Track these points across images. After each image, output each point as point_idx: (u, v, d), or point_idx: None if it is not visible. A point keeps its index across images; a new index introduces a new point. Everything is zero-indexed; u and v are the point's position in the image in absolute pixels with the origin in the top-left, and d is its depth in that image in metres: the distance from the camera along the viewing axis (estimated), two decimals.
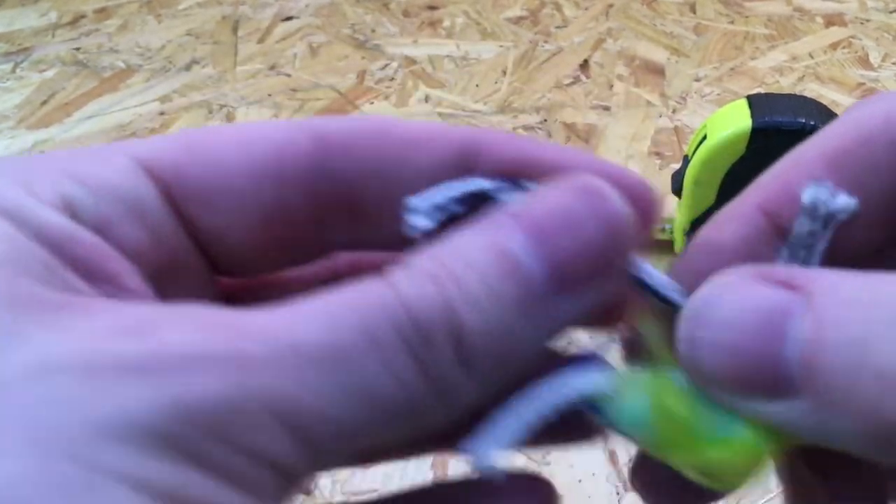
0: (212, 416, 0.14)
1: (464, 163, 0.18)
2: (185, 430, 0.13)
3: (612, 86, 0.77)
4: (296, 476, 0.15)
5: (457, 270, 0.16)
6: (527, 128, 0.73)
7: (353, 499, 0.43)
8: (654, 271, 0.18)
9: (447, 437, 0.18)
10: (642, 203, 0.18)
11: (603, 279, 0.17)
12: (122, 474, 0.13)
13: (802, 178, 0.18)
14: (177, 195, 0.18)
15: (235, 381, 0.14)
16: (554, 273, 0.16)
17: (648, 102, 0.75)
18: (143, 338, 0.14)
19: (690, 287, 0.17)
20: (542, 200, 0.17)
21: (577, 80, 0.79)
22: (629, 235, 0.17)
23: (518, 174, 0.18)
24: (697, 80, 0.78)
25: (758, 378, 0.15)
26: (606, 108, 0.75)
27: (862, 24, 0.84)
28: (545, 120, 0.73)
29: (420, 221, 0.17)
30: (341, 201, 0.19)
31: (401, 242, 0.18)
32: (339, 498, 0.43)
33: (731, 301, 0.16)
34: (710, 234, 0.19)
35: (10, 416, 0.13)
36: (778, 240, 0.18)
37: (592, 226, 0.17)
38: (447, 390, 0.16)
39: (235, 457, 0.14)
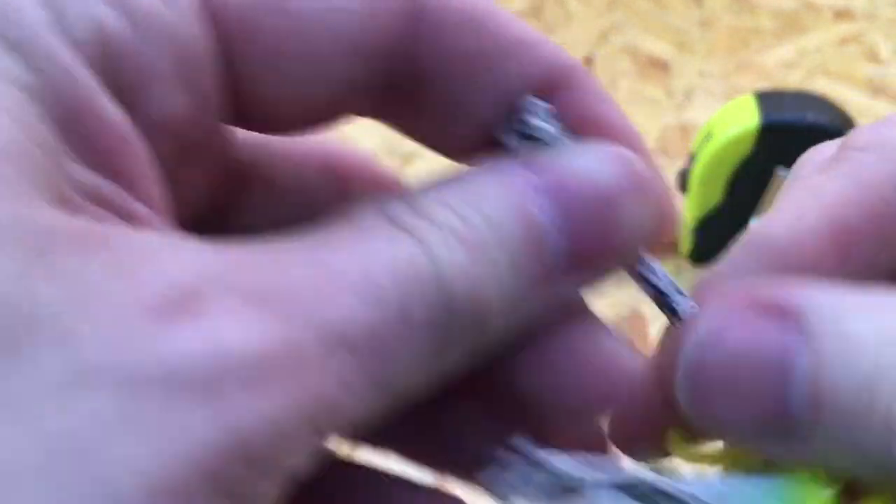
0: (261, 445, 0.11)
1: (546, 90, 0.16)
2: (232, 469, 0.11)
3: (615, 82, 0.76)
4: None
5: (483, 234, 0.14)
6: None
7: None
8: (660, 269, 0.17)
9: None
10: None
11: (618, 262, 0.16)
12: None
13: (804, 255, 0.16)
14: (240, 54, 0.14)
15: (294, 396, 0.11)
16: (576, 253, 0.15)
17: (653, 99, 0.74)
18: (192, 323, 0.11)
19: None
20: (576, 162, 0.15)
21: None
22: (665, 217, 0.16)
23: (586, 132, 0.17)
24: (703, 75, 0.76)
25: (767, 422, 0.14)
26: None
27: (871, 19, 0.83)
28: None
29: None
30: (410, 90, 0.16)
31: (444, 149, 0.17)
32: None
33: (730, 345, 0.14)
34: None
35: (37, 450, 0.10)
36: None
37: (626, 208, 0.15)
38: (449, 368, 0.14)
39: (269, 488, 0.11)
